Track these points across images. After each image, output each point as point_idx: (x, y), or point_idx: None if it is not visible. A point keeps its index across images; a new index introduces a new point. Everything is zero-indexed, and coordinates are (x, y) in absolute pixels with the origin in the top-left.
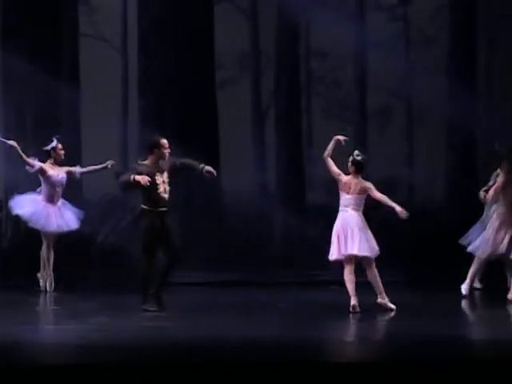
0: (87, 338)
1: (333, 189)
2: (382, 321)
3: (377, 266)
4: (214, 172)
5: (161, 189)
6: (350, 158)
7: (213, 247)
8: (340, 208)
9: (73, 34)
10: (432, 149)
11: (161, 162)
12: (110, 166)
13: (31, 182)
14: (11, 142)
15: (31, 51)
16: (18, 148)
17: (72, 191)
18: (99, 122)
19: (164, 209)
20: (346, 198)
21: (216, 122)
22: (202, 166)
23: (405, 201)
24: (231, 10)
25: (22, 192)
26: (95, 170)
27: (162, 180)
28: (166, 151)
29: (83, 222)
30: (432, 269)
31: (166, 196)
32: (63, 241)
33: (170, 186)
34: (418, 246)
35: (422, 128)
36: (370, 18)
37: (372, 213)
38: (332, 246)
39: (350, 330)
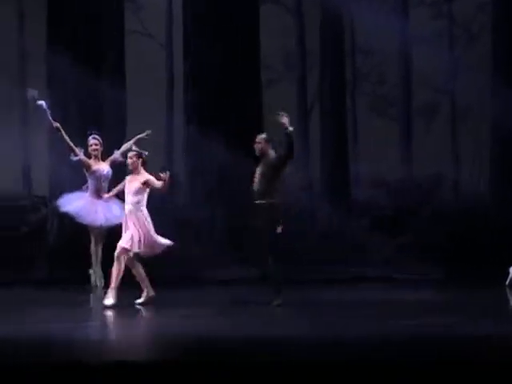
0: (136, 335)
1: (379, 185)
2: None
3: (423, 263)
4: None
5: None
6: None
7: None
8: None
9: (118, 30)
10: (477, 145)
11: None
12: (146, 136)
13: (76, 179)
14: (56, 124)
15: (77, 48)
16: (63, 132)
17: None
18: (144, 119)
19: (256, 202)
20: None
21: (261, 119)
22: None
23: (450, 197)
24: (276, 8)
25: (67, 189)
26: (133, 144)
27: (257, 173)
28: None
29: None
30: (479, 265)
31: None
32: (112, 236)
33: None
34: (463, 243)
35: (466, 124)
36: (414, 15)
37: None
38: None
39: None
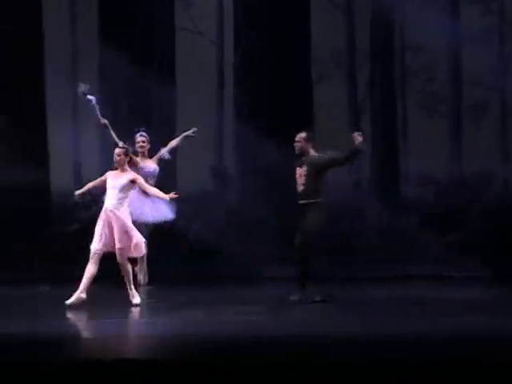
0: (181, 332)
1: (429, 182)
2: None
3: (471, 261)
4: None
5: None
6: None
7: None
8: None
9: (169, 27)
10: None
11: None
12: (192, 133)
13: None
14: (104, 121)
15: (128, 46)
16: (111, 129)
17: (167, 186)
18: (195, 116)
19: (302, 202)
20: None
21: (311, 116)
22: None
23: (499, 195)
24: (327, 5)
25: None
26: (180, 142)
27: (299, 173)
28: None
29: (178, 215)
30: None
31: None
32: (158, 234)
33: (308, 179)
34: None
35: None
36: (464, 12)
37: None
38: None
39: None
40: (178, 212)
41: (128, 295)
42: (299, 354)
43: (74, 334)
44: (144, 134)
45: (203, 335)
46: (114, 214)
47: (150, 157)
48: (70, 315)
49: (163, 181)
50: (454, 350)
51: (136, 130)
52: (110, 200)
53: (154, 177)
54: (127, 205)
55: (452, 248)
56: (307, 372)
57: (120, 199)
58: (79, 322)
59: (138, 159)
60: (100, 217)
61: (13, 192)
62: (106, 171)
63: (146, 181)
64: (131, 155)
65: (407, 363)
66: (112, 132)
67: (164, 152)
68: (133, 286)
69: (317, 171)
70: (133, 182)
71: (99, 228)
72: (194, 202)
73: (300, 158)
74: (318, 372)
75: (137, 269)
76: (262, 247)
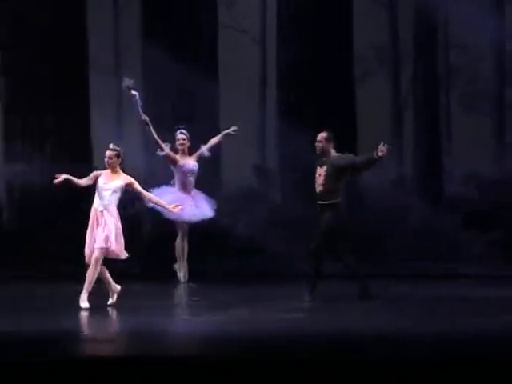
0: (225, 330)
1: (471, 181)
2: None
3: None
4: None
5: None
6: None
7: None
8: None
9: (212, 25)
10: None
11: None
12: (233, 131)
13: (168, 174)
14: (145, 117)
15: (170, 43)
16: (151, 126)
17: (211, 183)
18: (237, 113)
19: (319, 202)
20: None
21: (354, 113)
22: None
23: None
24: (369, 1)
25: (158, 184)
26: (219, 140)
27: (319, 173)
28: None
29: (220, 213)
30: None
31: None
32: (199, 232)
33: (328, 179)
34: None
35: None
36: (509, 11)
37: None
38: None
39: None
40: (221, 210)
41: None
42: (339, 352)
43: (119, 331)
44: (184, 131)
45: (245, 333)
46: (103, 214)
47: (190, 154)
48: (110, 313)
49: (207, 179)
50: (496, 349)
51: (176, 127)
52: (100, 200)
53: (193, 174)
54: (116, 207)
55: (494, 246)
56: (347, 370)
57: (111, 200)
58: (121, 319)
59: (178, 156)
60: (90, 218)
61: (58, 190)
62: (150, 169)
63: (186, 177)
64: (171, 154)
65: (448, 362)
66: (152, 129)
67: (204, 150)
68: (87, 291)
69: (337, 172)
70: (128, 185)
71: (89, 232)
72: (236, 200)
73: (320, 157)
74: (358, 370)
75: (176, 266)
76: (304, 245)
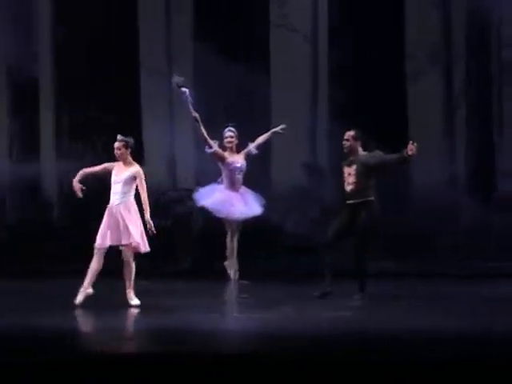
0: (274, 328)
1: None
2: None
3: None
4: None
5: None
6: None
7: (400, 238)
8: None
9: (264, 24)
10: None
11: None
12: (281, 130)
13: (218, 172)
14: (195, 114)
15: (222, 42)
16: (200, 123)
17: (261, 182)
18: (289, 113)
19: (350, 201)
20: None
21: (406, 113)
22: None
23: None
24: (422, 0)
25: (210, 182)
26: (267, 138)
27: (348, 172)
28: None
29: (271, 212)
30: None
31: (349, 188)
32: (249, 230)
33: (359, 177)
34: None
35: None
36: None
37: None
38: None
39: None
40: (271, 208)
41: (126, 295)
42: (386, 351)
43: (170, 328)
44: (232, 129)
45: (293, 331)
46: (120, 209)
47: (238, 152)
48: (160, 308)
49: (257, 177)
50: None
51: (225, 125)
52: (114, 195)
53: (241, 171)
54: (133, 198)
55: None
56: (395, 369)
57: (124, 193)
58: (172, 316)
59: (226, 154)
60: (106, 212)
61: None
62: (202, 166)
63: (234, 175)
64: (219, 151)
65: (492, 361)
66: (201, 126)
67: (252, 147)
68: (132, 288)
69: (367, 170)
70: (135, 179)
71: (103, 223)
72: (287, 198)
73: (347, 156)
74: (407, 370)
75: (227, 263)
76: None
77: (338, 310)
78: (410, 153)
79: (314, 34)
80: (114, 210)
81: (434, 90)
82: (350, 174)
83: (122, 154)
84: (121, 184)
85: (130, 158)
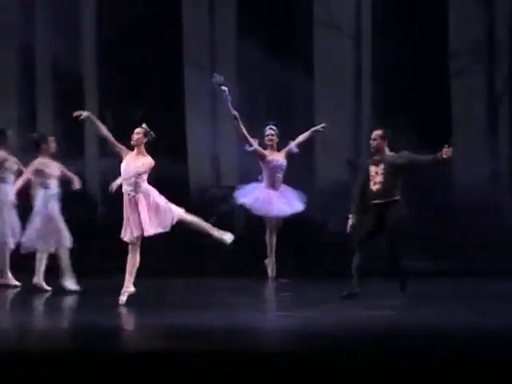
0: (315, 327)
1: None
2: None
3: None
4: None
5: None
6: None
7: (440, 236)
8: None
9: (307, 21)
10: None
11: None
12: (321, 128)
13: (261, 169)
14: (235, 113)
15: (265, 39)
16: (240, 121)
17: (304, 180)
18: (332, 110)
19: (377, 201)
20: None
21: (449, 110)
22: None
23: None
24: None
25: (252, 180)
26: (309, 136)
27: (375, 171)
28: None
29: (314, 209)
30: None
31: (376, 188)
32: (292, 227)
33: (387, 177)
34: None
35: None
36: None
37: None
38: None
39: None
40: (314, 206)
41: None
42: (428, 349)
43: (212, 326)
44: (273, 127)
45: (334, 329)
46: (136, 199)
47: (279, 150)
48: (208, 306)
49: (301, 175)
50: None
51: (266, 123)
52: (127, 186)
53: (281, 170)
54: (145, 184)
55: None
56: (439, 367)
57: (137, 183)
58: (214, 314)
59: (267, 152)
60: (124, 203)
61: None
62: (246, 164)
63: (274, 173)
64: (260, 149)
65: None
66: (241, 124)
67: (292, 146)
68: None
69: (395, 170)
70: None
71: (125, 216)
72: (330, 196)
73: (373, 155)
74: (450, 368)
75: (267, 261)
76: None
77: (378, 310)
78: (444, 156)
79: (358, 32)
80: (130, 200)
81: (478, 88)
82: (377, 173)
83: (138, 139)
84: (132, 175)
85: (143, 148)
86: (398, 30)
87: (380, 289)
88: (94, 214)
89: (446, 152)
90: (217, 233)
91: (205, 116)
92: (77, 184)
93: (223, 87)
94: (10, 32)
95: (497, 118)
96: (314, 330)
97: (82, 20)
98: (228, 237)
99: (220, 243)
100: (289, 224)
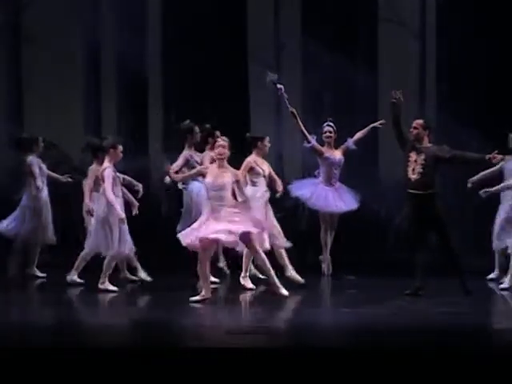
0: (379, 323)
1: None
2: None
3: None
4: None
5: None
6: None
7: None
8: None
9: (372, 18)
10: None
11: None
12: (379, 125)
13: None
14: (292, 109)
15: (330, 36)
16: (298, 118)
17: (369, 177)
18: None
19: (416, 191)
20: None
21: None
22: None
23: None
24: None
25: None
26: (366, 133)
27: (415, 159)
28: None
29: (378, 206)
30: None
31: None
32: (359, 224)
33: (427, 168)
34: None
35: None
36: None
37: None
38: None
39: None
40: (378, 203)
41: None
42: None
43: (278, 323)
44: (331, 124)
45: (403, 326)
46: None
47: (337, 147)
48: (273, 304)
49: (367, 171)
50: None
51: (325, 120)
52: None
53: (339, 166)
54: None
55: None
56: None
57: (223, 197)
58: (280, 310)
59: (324, 149)
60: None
61: None
62: (308, 161)
63: (331, 170)
64: (318, 146)
65: None
66: (299, 121)
67: (350, 143)
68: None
69: (435, 162)
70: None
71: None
72: (394, 193)
73: (412, 143)
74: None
75: (321, 257)
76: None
77: (445, 306)
78: (493, 161)
79: (422, 30)
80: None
81: None
82: (416, 162)
83: (224, 154)
84: (219, 189)
85: (225, 162)
86: (462, 26)
87: (441, 286)
88: (158, 210)
89: (494, 157)
90: (277, 284)
91: (269, 114)
92: (140, 190)
93: (278, 85)
94: (75, 31)
95: None
96: (382, 326)
97: (148, 20)
98: (284, 292)
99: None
100: (352, 221)
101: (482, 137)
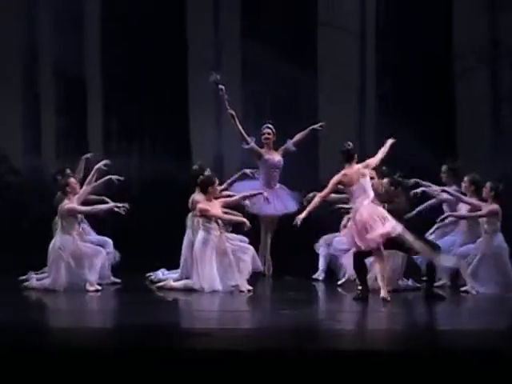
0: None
1: None
2: None
3: None
4: None
5: None
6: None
7: None
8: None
9: (311, 21)
10: None
11: None
12: (319, 127)
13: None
14: (231, 111)
15: (269, 39)
16: (236, 119)
17: (309, 180)
18: (336, 111)
19: None
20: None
21: (455, 111)
22: None
23: None
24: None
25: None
26: (305, 135)
27: None
28: None
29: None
30: None
31: None
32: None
33: None
34: None
35: None
36: None
37: None
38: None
39: None
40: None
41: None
42: None
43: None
44: (270, 126)
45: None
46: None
47: (276, 149)
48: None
49: (305, 173)
50: None
51: (264, 122)
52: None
53: (278, 168)
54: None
55: None
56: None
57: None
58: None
59: (263, 151)
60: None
61: (162, 185)
62: (247, 163)
63: (271, 172)
64: (256, 148)
65: None
66: (237, 123)
67: (290, 144)
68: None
69: None
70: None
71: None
72: None
73: None
74: None
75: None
76: None
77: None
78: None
79: (362, 31)
80: None
81: (482, 91)
82: None
83: None
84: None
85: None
86: (403, 30)
87: None
88: None
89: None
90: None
91: (209, 116)
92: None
93: (220, 85)
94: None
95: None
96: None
97: (86, 21)
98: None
99: None
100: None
101: (421, 137)
